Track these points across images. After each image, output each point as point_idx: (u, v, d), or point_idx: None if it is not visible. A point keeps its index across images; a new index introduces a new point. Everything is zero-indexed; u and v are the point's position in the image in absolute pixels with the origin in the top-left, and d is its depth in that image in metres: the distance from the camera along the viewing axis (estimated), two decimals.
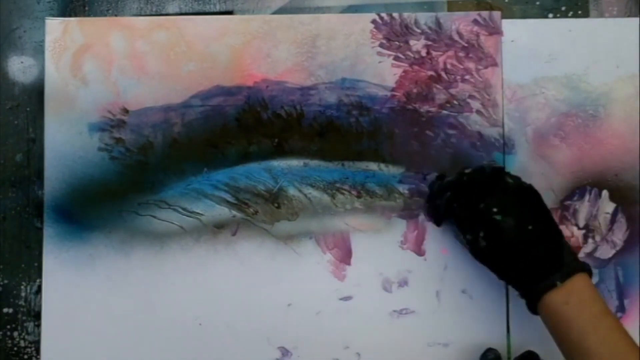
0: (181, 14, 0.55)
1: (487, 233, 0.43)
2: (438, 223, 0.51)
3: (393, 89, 0.52)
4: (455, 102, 0.53)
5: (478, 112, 0.52)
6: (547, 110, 0.53)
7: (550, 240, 0.43)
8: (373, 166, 0.52)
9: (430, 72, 0.53)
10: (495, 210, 0.43)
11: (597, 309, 0.40)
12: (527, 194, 0.45)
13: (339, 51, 0.53)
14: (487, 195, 0.44)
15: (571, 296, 0.40)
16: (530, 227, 0.43)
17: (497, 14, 0.53)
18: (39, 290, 0.52)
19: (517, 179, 0.46)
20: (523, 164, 0.52)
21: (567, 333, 0.40)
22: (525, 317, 0.50)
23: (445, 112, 0.53)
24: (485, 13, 0.53)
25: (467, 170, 0.47)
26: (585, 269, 0.42)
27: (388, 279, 0.52)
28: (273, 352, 0.51)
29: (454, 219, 0.48)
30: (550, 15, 0.54)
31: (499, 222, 0.43)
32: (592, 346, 0.38)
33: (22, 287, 0.53)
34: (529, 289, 0.42)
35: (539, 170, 0.53)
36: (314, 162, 0.52)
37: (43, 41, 0.53)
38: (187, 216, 0.52)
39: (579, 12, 0.54)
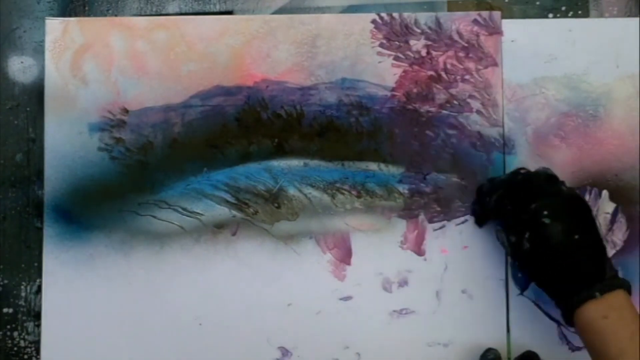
0: (181, 14, 0.55)
1: (532, 235, 0.43)
2: (481, 223, 0.51)
3: (393, 89, 0.52)
4: (455, 102, 0.53)
5: (478, 112, 0.52)
6: (547, 110, 0.53)
7: (594, 252, 0.42)
8: (373, 166, 0.52)
9: (430, 72, 0.53)
10: (545, 213, 0.42)
11: (636, 327, 0.39)
12: (578, 204, 0.44)
13: (339, 51, 0.53)
14: (539, 197, 0.43)
15: (611, 310, 0.40)
16: (576, 237, 0.42)
17: (497, 14, 0.53)
18: (39, 290, 0.52)
19: (571, 189, 0.46)
20: (523, 164, 0.52)
21: (604, 348, 0.39)
22: (525, 317, 0.50)
23: (445, 112, 0.53)
24: (485, 13, 0.53)
25: (522, 170, 0.47)
26: (625, 286, 0.42)
27: (388, 279, 0.52)
28: (273, 352, 0.51)
29: (500, 218, 0.47)
30: (550, 15, 0.54)
31: (547, 225, 0.42)
32: None
33: (22, 287, 0.53)
34: (567, 299, 0.42)
35: None
36: (314, 162, 0.52)
37: (43, 41, 0.53)
38: (187, 216, 0.52)
39: (579, 12, 0.54)
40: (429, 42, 0.53)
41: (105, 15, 0.54)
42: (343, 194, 0.52)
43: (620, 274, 0.52)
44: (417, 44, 0.53)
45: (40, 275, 0.52)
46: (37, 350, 0.52)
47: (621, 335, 0.39)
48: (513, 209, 0.45)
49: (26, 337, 0.53)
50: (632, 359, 0.38)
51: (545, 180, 0.45)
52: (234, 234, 0.52)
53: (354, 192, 0.52)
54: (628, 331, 0.39)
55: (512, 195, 0.45)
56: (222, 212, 0.52)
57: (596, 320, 0.40)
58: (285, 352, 0.52)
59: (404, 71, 0.53)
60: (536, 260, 0.43)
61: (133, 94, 0.52)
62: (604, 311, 0.40)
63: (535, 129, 0.53)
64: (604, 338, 0.39)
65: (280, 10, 0.54)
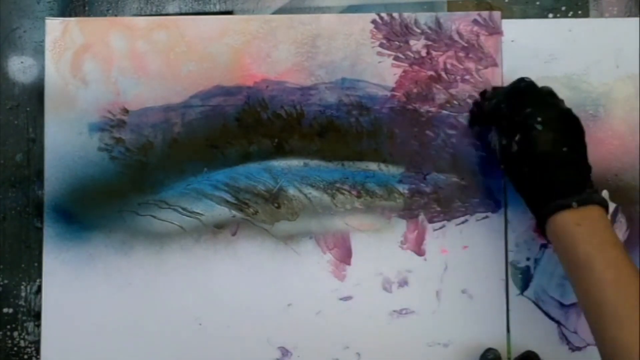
0: (181, 14, 0.55)
1: (522, 138, 0.43)
2: (475, 124, 0.52)
3: (393, 89, 0.52)
4: (455, 102, 0.53)
5: None
6: None
7: (578, 167, 0.43)
8: (373, 166, 0.52)
9: (430, 72, 0.53)
10: (539, 119, 0.43)
11: (607, 237, 0.40)
12: (573, 120, 0.45)
13: (339, 51, 0.53)
14: (536, 104, 0.44)
15: (584, 220, 0.41)
16: (564, 149, 0.43)
17: (497, 14, 0.53)
18: (39, 290, 0.52)
19: (569, 108, 0.46)
20: None
21: (574, 253, 0.40)
22: (525, 317, 0.50)
23: (445, 112, 0.53)
24: (485, 13, 0.53)
25: (526, 78, 0.47)
26: (603, 204, 0.42)
27: (388, 279, 0.52)
28: (273, 352, 0.51)
29: (496, 121, 0.47)
30: (550, 15, 0.54)
31: (538, 131, 0.43)
32: (596, 268, 0.39)
33: (22, 287, 0.53)
34: (544, 206, 0.42)
35: None
36: (314, 162, 0.52)
37: (43, 41, 0.53)
38: (187, 216, 0.52)
39: (579, 12, 0.54)
40: (429, 42, 0.53)
41: (105, 15, 0.54)
42: (343, 194, 0.52)
43: None
44: (417, 44, 0.53)
45: (40, 275, 0.52)
46: (37, 350, 0.52)
47: (591, 242, 0.40)
48: (509, 112, 0.45)
49: (26, 337, 0.53)
50: (599, 264, 0.39)
51: (546, 93, 0.46)
52: (234, 234, 0.52)
53: (354, 192, 0.52)
54: (598, 239, 0.40)
55: (511, 99, 0.46)
56: (222, 212, 0.52)
57: (569, 225, 0.41)
58: (285, 352, 0.52)
59: (404, 71, 0.53)
60: (522, 164, 0.44)
61: (133, 94, 0.52)
62: (577, 219, 0.41)
63: None
64: (574, 243, 0.40)
65: (280, 10, 0.54)
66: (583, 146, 0.44)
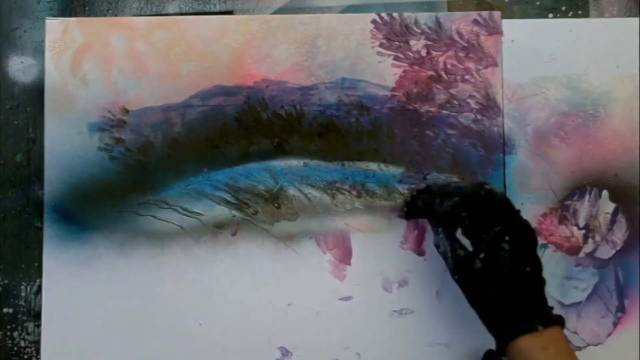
0: (181, 14, 0.55)
1: (488, 257, 0.42)
2: (411, 217, 0.50)
3: (393, 89, 0.52)
4: (455, 102, 0.53)
5: (478, 112, 0.52)
6: (547, 110, 0.53)
7: (539, 286, 0.43)
8: (373, 166, 0.52)
9: (430, 72, 0.53)
10: (507, 239, 0.42)
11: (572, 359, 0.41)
12: (534, 235, 0.44)
13: (339, 51, 0.53)
14: (501, 221, 0.43)
15: (550, 343, 0.40)
16: (528, 269, 0.42)
17: (497, 14, 0.53)
18: (39, 290, 0.52)
19: (528, 221, 0.45)
20: (523, 164, 0.52)
21: None
22: None
23: (445, 112, 0.53)
24: (485, 13, 0.53)
25: (486, 185, 0.45)
26: (562, 323, 0.42)
27: (388, 279, 0.52)
28: (273, 352, 0.51)
29: (450, 225, 0.44)
30: (550, 15, 0.54)
31: (506, 251, 0.42)
32: None
33: (22, 287, 0.53)
34: (506, 327, 0.42)
35: (539, 170, 0.53)
36: (314, 162, 0.52)
37: (43, 41, 0.53)
38: (187, 216, 0.52)
39: (579, 12, 0.54)
40: (429, 42, 0.53)
41: (105, 15, 0.54)
42: (343, 194, 0.52)
43: (621, 274, 0.53)
44: (417, 44, 0.53)
45: (40, 275, 0.52)
46: (37, 350, 0.52)
47: None
48: (471, 225, 0.43)
49: (26, 337, 0.53)
50: None
51: (507, 204, 0.45)
52: (234, 234, 0.52)
53: (354, 192, 0.52)
54: None
55: (473, 210, 0.44)
56: (222, 212, 0.52)
57: (535, 351, 0.40)
58: (285, 352, 0.52)
59: (404, 71, 0.53)
60: (486, 284, 0.42)
61: (133, 94, 0.52)
62: (543, 343, 0.40)
63: (535, 129, 0.53)
64: None
65: (280, 10, 0.54)
66: (539, 260, 0.43)
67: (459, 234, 0.43)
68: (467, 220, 0.43)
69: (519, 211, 0.44)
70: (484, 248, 0.42)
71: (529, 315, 0.41)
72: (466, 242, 0.43)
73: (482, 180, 0.46)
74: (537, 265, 0.43)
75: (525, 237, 0.43)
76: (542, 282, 0.43)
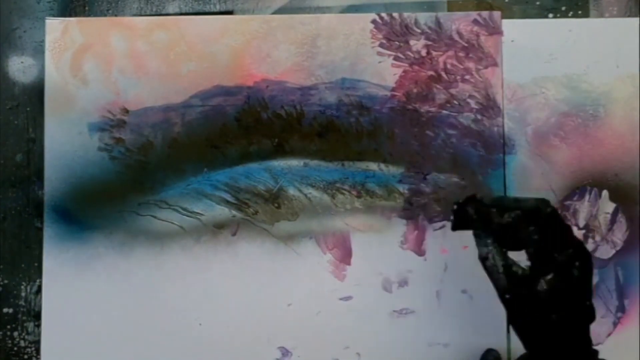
0: (181, 14, 0.55)
1: (556, 279, 0.39)
2: (461, 228, 0.45)
3: (393, 89, 0.52)
4: (455, 102, 0.53)
5: (478, 112, 0.52)
6: (547, 110, 0.53)
7: (589, 323, 0.40)
8: (373, 166, 0.52)
9: (430, 72, 0.53)
10: (577, 264, 0.39)
11: None
12: (591, 266, 0.41)
13: (339, 51, 0.53)
14: (573, 245, 0.40)
15: None
16: (588, 303, 0.40)
17: (497, 14, 0.53)
18: (39, 290, 0.52)
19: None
20: (523, 164, 0.52)
21: None
22: None
23: (445, 112, 0.53)
24: (485, 13, 0.53)
25: (549, 208, 0.41)
26: None
27: (388, 279, 0.52)
28: (273, 352, 0.51)
29: (501, 239, 0.41)
30: (550, 15, 0.54)
31: (575, 277, 0.39)
32: None
33: (22, 287, 0.53)
34: (558, 356, 0.39)
35: (539, 170, 0.53)
36: (314, 162, 0.52)
37: (43, 41, 0.53)
38: (187, 216, 0.52)
39: (579, 12, 0.54)
40: (429, 42, 0.53)
41: (105, 15, 0.54)
42: (343, 194, 0.52)
43: (621, 274, 0.53)
44: (417, 44, 0.53)
45: (40, 275, 0.52)
46: (37, 350, 0.52)
47: None
48: (540, 242, 0.40)
49: (26, 337, 0.53)
50: None
51: (571, 229, 0.41)
52: (234, 234, 0.52)
53: (354, 192, 0.52)
54: None
55: (539, 227, 0.40)
56: (222, 212, 0.52)
57: None
58: (285, 352, 0.52)
59: (404, 71, 0.53)
60: (550, 309, 0.39)
61: (133, 94, 0.52)
62: None
63: (535, 129, 0.53)
64: None
65: (280, 10, 0.54)
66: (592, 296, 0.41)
67: (512, 249, 0.41)
68: (534, 236, 0.40)
69: (581, 241, 0.41)
70: (554, 269, 0.39)
71: (581, 353, 0.39)
72: (523, 260, 0.40)
73: (544, 198, 0.42)
74: (592, 303, 0.40)
75: (590, 268, 0.40)
76: (593, 320, 0.40)
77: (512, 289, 0.40)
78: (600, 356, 0.40)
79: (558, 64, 0.53)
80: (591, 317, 0.40)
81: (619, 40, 0.53)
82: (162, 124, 0.52)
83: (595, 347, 0.40)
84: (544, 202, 0.41)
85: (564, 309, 0.39)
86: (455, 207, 0.45)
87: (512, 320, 0.40)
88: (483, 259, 0.41)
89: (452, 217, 0.45)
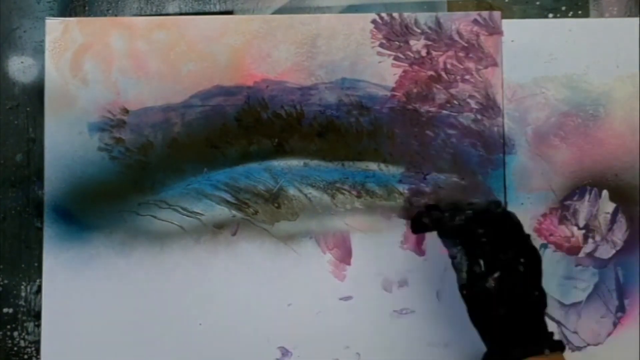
0: (181, 14, 0.55)
1: (502, 278, 0.42)
2: (420, 231, 0.49)
3: (393, 89, 0.53)
4: (455, 102, 0.53)
5: (478, 112, 0.52)
6: (547, 110, 0.53)
7: (542, 311, 0.43)
8: (373, 166, 0.52)
9: (430, 72, 0.53)
10: (522, 261, 0.42)
11: None
12: (539, 261, 0.44)
13: (339, 51, 0.53)
14: (516, 243, 0.44)
15: None
16: (536, 293, 0.43)
17: (497, 14, 0.53)
18: (39, 290, 0.52)
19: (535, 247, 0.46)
20: (523, 164, 0.52)
21: None
22: None
23: (445, 112, 0.53)
24: (485, 13, 0.53)
25: (501, 203, 0.46)
26: (563, 349, 0.43)
27: (388, 279, 0.52)
28: (273, 352, 0.51)
29: (463, 241, 0.45)
30: (550, 15, 0.54)
31: (521, 274, 0.42)
32: None
33: (22, 287, 0.53)
34: (511, 348, 0.42)
35: (539, 170, 0.53)
36: (314, 162, 0.52)
37: (43, 41, 0.53)
38: (187, 216, 0.52)
39: (579, 12, 0.54)
40: (429, 42, 0.53)
41: (105, 15, 0.54)
42: (343, 194, 0.52)
43: (621, 274, 0.53)
44: (417, 44, 0.53)
45: (40, 275, 0.52)
46: (37, 350, 0.52)
47: None
48: (488, 243, 0.43)
49: (26, 337, 0.53)
50: None
51: (520, 227, 0.45)
52: (234, 234, 0.52)
53: (354, 192, 0.52)
54: None
55: (489, 227, 0.44)
56: (222, 212, 0.52)
57: None
58: (285, 352, 0.52)
59: (404, 71, 0.53)
60: (498, 304, 0.42)
61: (133, 94, 0.52)
62: None
63: (535, 129, 0.53)
64: None
65: (280, 10, 0.54)
66: (541, 285, 0.44)
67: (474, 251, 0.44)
68: (483, 237, 0.43)
69: (529, 236, 0.45)
70: (500, 267, 0.42)
71: (535, 338, 0.42)
72: (479, 260, 0.43)
73: (497, 199, 0.46)
74: (542, 290, 0.43)
75: (537, 260, 0.44)
76: (545, 306, 0.43)
77: (469, 287, 0.43)
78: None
79: (558, 64, 0.53)
80: (541, 304, 0.43)
81: (619, 40, 0.53)
82: (162, 124, 0.52)
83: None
84: (496, 203, 0.46)
85: (513, 303, 0.42)
86: (414, 215, 0.49)
87: (470, 315, 0.44)
88: (452, 257, 0.45)
89: (411, 223, 0.50)
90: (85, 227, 0.52)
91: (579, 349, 0.51)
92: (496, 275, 0.42)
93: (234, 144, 0.52)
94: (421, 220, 0.48)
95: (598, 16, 0.54)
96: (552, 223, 0.53)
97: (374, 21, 0.53)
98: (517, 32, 0.53)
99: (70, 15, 0.54)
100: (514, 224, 0.45)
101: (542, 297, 0.43)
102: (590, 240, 0.53)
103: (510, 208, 0.52)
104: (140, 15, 0.54)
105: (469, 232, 0.44)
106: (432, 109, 0.53)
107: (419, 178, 0.52)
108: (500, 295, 0.42)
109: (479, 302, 0.43)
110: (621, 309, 0.52)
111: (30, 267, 0.53)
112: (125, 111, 0.52)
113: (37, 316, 0.52)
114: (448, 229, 0.46)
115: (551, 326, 0.51)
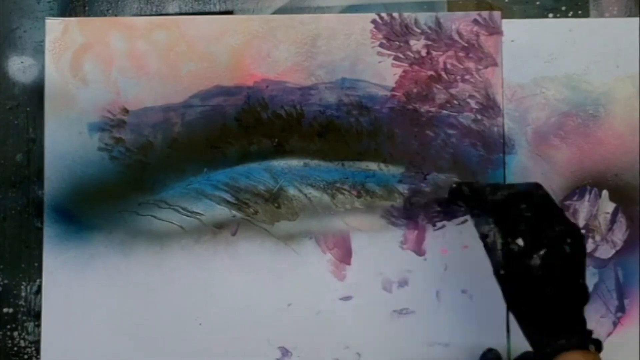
0: (181, 14, 0.55)
1: (549, 254, 0.39)
2: (452, 201, 0.49)
3: (393, 89, 0.52)
4: (455, 102, 0.53)
5: (478, 112, 0.52)
6: (547, 110, 0.53)
7: (584, 304, 0.41)
8: (373, 166, 0.52)
9: (430, 72, 0.53)
10: (568, 241, 0.40)
11: None
12: (585, 252, 0.42)
13: (339, 51, 0.53)
14: (564, 223, 0.41)
15: None
16: (581, 281, 0.41)
17: (497, 14, 0.53)
18: (39, 290, 0.52)
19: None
20: (523, 164, 0.52)
21: None
22: None
23: (445, 112, 0.53)
24: (485, 13, 0.53)
25: (541, 190, 0.43)
26: (602, 349, 0.41)
27: (388, 279, 0.52)
28: (273, 352, 0.51)
29: (501, 218, 0.42)
30: (550, 15, 0.54)
31: (566, 253, 0.40)
32: None
33: (22, 287, 0.53)
34: (557, 338, 0.39)
35: (539, 170, 0.53)
36: (314, 162, 0.52)
37: (43, 41, 0.53)
38: (187, 216, 0.52)
39: (579, 12, 0.54)
40: (429, 42, 0.53)
41: (105, 15, 0.54)
42: (343, 194, 0.52)
43: (621, 274, 0.53)
44: (417, 44, 0.53)
45: (40, 275, 0.52)
46: (37, 350, 0.52)
47: None
48: (532, 219, 0.41)
49: (26, 337, 0.53)
50: None
51: (562, 210, 0.43)
52: (234, 234, 0.52)
53: (354, 192, 0.52)
54: None
55: (532, 207, 0.42)
56: (222, 212, 0.52)
57: None
58: (285, 352, 0.52)
59: (404, 71, 0.53)
60: (545, 283, 0.40)
61: (133, 94, 0.52)
62: None
63: (535, 129, 0.53)
64: None
65: (280, 10, 0.54)
66: (585, 278, 0.41)
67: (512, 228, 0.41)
68: (525, 213, 0.41)
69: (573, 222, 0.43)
70: (546, 244, 0.40)
71: (580, 331, 0.40)
72: (519, 237, 0.41)
73: (537, 182, 0.44)
74: (585, 283, 0.41)
75: (581, 246, 0.41)
76: (587, 301, 0.41)
77: (507, 265, 0.41)
78: (600, 356, 0.40)
79: (558, 64, 0.53)
80: (585, 297, 0.40)
81: (619, 40, 0.53)
82: (162, 124, 0.52)
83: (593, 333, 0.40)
84: (537, 185, 0.43)
85: (558, 285, 0.39)
86: (453, 186, 0.49)
87: (506, 297, 0.41)
88: (484, 237, 0.42)
89: (447, 195, 0.49)
90: (85, 227, 0.52)
91: None
92: (542, 252, 0.40)
93: (234, 144, 0.52)
94: (460, 188, 0.47)
95: (598, 16, 0.54)
96: None
97: (374, 21, 0.53)
98: (517, 32, 0.53)
99: (70, 15, 0.54)
100: (557, 207, 0.42)
101: (585, 289, 0.41)
102: (590, 240, 0.53)
103: None
104: (140, 15, 0.54)
105: (508, 208, 0.42)
106: (432, 109, 0.53)
107: (419, 178, 0.52)
108: (546, 273, 0.39)
109: (520, 282, 0.40)
110: (621, 309, 0.52)
111: (30, 267, 0.53)
112: (125, 111, 0.52)
113: (37, 316, 0.52)
114: (486, 203, 0.43)
115: None
